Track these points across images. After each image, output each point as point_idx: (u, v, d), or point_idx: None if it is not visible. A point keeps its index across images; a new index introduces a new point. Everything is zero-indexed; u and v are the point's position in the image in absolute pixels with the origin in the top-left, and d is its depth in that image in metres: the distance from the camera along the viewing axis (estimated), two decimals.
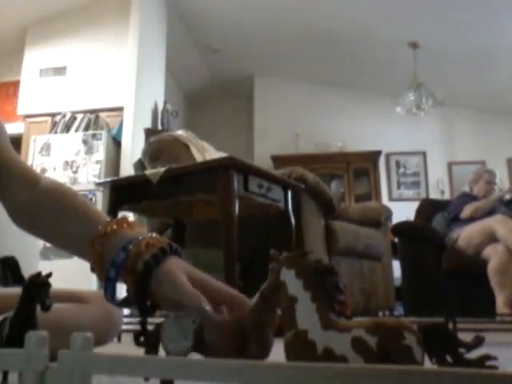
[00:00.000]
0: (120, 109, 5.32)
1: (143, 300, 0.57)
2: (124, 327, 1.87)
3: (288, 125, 7.35)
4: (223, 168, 1.93)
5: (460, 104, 6.99)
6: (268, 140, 7.31)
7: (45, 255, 4.57)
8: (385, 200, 6.75)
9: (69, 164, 5.07)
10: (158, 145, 2.62)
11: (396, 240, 3.86)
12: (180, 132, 2.85)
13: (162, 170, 2.06)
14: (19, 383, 0.41)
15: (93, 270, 0.63)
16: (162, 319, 0.59)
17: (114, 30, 5.61)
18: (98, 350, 0.41)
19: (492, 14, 5.28)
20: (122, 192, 2.22)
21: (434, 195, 6.74)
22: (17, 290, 0.64)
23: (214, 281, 0.59)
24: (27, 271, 0.97)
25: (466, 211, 3.46)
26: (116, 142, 5.24)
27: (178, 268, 0.58)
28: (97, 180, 4.38)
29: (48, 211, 0.75)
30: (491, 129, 7.10)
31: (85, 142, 5.10)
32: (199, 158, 2.57)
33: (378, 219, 3.35)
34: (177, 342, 0.54)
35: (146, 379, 0.51)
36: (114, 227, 0.63)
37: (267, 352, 0.51)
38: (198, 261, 2.37)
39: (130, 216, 3.80)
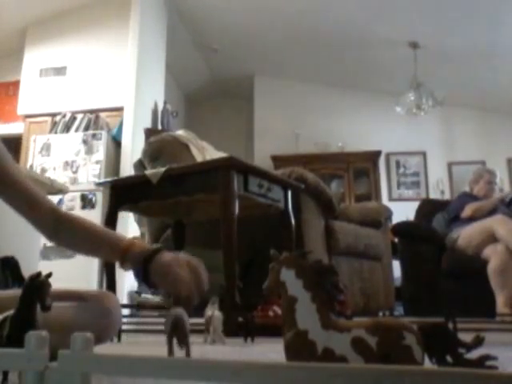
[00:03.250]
0: (120, 109, 5.32)
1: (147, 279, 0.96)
2: (124, 327, 1.87)
3: (288, 125, 7.35)
4: (223, 168, 1.93)
5: (460, 104, 6.99)
6: (268, 140, 7.30)
7: (45, 255, 4.57)
8: (385, 200, 6.75)
9: (69, 164, 5.07)
10: (158, 145, 2.62)
11: (396, 240, 3.85)
12: (180, 132, 2.85)
13: (162, 170, 2.06)
14: (19, 383, 0.41)
15: (122, 266, 1.01)
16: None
17: (114, 30, 5.61)
18: (98, 349, 0.41)
19: (492, 13, 5.28)
20: (122, 192, 2.22)
21: (434, 195, 6.74)
22: (17, 292, 0.68)
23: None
24: (27, 271, 0.98)
25: (467, 211, 3.45)
26: (116, 142, 5.24)
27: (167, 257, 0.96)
28: (97, 180, 4.38)
29: (77, 232, 1.06)
30: (491, 129, 7.09)
31: (85, 141, 5.10)
32: (199, 158, 2.57)
33: (377, 219, 3.34)
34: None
35: None
36: (134, 241, 1.02)
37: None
38: None
39: (130, 216, 3.80)
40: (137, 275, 1.00)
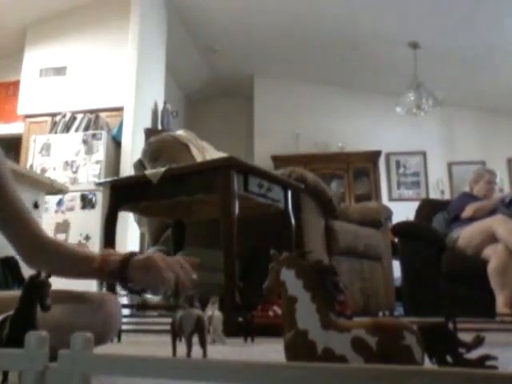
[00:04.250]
0: (120, 109, 5.32)
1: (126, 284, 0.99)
2: (124, 327, 1.87)
3: (288, 125, 7.35)
4: (223, 168, 1.93)
5: (460, 104, 6.99)
6: (268, 140, 7.30)
7: None
8: (385, 200, 6.75)
9: (69, 164, 5.07)
10: (158, 145, 2.62)
11: (396, 240, 3.85)
12: (180, 132, 2.85)
13: (162, 170, 2.06)
14: (19, 383, 0.41)
15: (101, 275, 1.04)
16: None
17: (114, 30, 5.61)
18: (98, 349, 0.42)
19: (492, 13, 5.28)
20: (122, 192, 2.22)
21: (434, 195, 6.74)
22: (18, 292, 0.70)
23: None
24: (27, 271, 0.98)
25: (468, 211, 3.45)
26: (116, 142, 5.24)
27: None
28: (97, 180, 4.38)
29: (57, 254, 1.06)
30: (491, 129, 7.09)
31: (85, 141, 5.10)
32: (199, 158, 2.57)
33: (378, 219, 3.34)
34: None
35: None
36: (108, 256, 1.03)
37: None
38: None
39: (130, 216, 3.80)
40: (115, 279, 1.01)
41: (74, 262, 1.06)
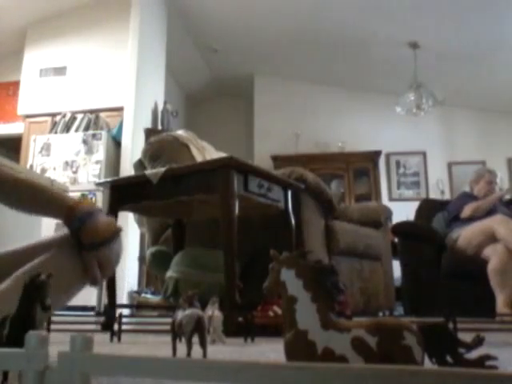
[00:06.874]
0: (120, 109, 5.32)
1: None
2: (124, 327, 1.87)
3: (288, 125, 7.35)
4: (223, 168, 1.93)
5: (460, 104, 6.99)
6: (268, 140, 7.31)
7: None
8: (385, 200, 6.75)
9: (69, 164, 5.06)
10: (158, 145, 2.62)
11: (396, 240, 3.85)
12: (180, 132, 2.85)
13: (162, 170, 2.06)
14: (19, 383, 0.41)
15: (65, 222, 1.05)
16: None
17: (114, 30, 5.61)
18: (98, 349, 0.41)
19: (492, 13, 5.28)
20: (122, 192, 2.22)
21: (434, 195, 6.74)
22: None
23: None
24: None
25: (466, 211, 3.46)
26: (116, 142, 5.24)
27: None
28: (97, 180, 4.37)
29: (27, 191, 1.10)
30: (491, 129, 7.09)
31: (85, 141, 5.10)
32: (199, 158, 2.57)
33: (377, 219, 3.34)
34: None
35: None
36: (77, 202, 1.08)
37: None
38: (198, 261, 2.37)
39: (130, 216, 3.80)
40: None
41: (43, 197, 1.09)
